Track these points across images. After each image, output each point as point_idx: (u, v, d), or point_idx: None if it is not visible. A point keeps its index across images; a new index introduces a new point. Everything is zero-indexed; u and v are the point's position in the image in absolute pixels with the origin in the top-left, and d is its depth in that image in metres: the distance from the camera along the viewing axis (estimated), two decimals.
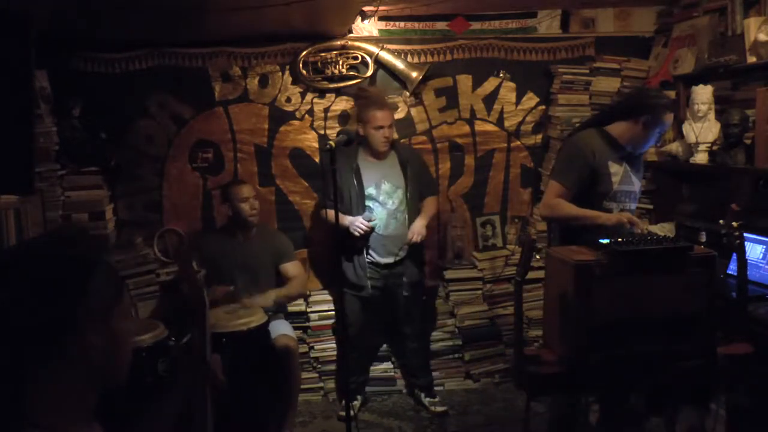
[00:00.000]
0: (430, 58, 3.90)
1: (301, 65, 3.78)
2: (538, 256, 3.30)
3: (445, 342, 3.95)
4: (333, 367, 3.86)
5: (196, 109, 3.82)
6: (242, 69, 3.80)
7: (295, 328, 3.64)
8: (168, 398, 1.38)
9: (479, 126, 4.02)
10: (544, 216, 2.96)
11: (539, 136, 4.06)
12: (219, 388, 1.45)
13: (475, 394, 3.89)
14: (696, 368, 2.29)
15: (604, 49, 3.95)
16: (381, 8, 3.61)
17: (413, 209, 3.53)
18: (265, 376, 3.04)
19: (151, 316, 3.46)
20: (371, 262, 3.51)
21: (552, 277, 2.47)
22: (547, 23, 3.95)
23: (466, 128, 4.01)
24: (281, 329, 3.33)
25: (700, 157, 3.35)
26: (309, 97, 3.86)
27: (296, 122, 3.89)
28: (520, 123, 4.03)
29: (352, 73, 3.83)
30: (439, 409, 3.64)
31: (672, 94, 3.72)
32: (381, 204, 3.50)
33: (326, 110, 3.89)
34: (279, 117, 3.87)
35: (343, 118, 3.91)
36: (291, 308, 3.76)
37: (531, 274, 2.45)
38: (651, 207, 3.94)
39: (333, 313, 3.83)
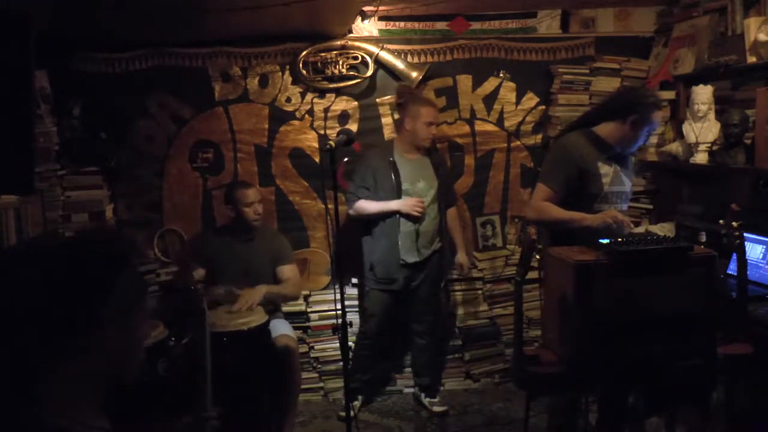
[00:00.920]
0: (430, 58, 3.90)
1: (301, 65, 3.78)
2: (538, 256, 3.30)
3: (445, 342, 3.95)
4: (333, 367, 3.85)
5: (196, 109, 3.82)
6: (242, 69, 3.80)
7: (295, 328, 3.64)
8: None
9: (479, 126, 4.02)
10: (532, 219, 2.94)
11: (539, 136, 4.06)
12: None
13: (475, 394, 3.90)
14: (696, 368, 2.29)
15: (604, 49, 3.95)
16: (381, 8, 3.61)
17: (443, 212, 3.61)
18: (266, 376, 3.03)
19: (155, 315, 3.45)
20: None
21: (552, 277, 2.47)
22: (547, 23, 3.95)
23: (466, 128, 4.01)
24: (281, 329, 3.33)
25: (700, 157, 3.35)
26: (309, 97, 3.87)
27: (296, 122, 3.89)
28: (520, 123, 4.03)
29: (352, 73, 3.83)
30: (439, 409, 3.64)
31: (672, 94, 3.73)
32: None
33: (326, 110, 3.89)
34: (279, 117, 3.87)
35: (343, 118, 3.91)
36: (291, 308, 3.76)
37: (531, 274, 2.45)
38: (651, 207, 3.94)
39: (333, 313, 3.83)
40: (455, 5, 3.75)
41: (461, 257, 3.70)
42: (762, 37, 2.95)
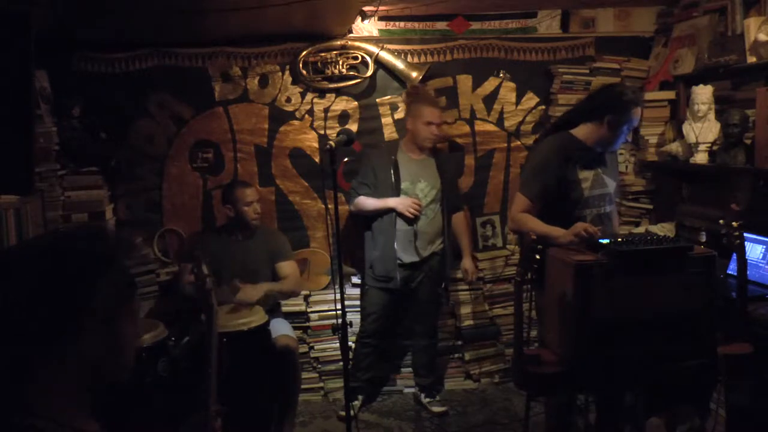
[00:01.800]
0: (430, 58, 3.90)
1: (301, 65, 3.78)
2: (538, 256, 3.30)
3: (445, 342, 3.95)
4: (333, 367, 3.86)
5: (196, 109, 3.82)
6: (242, 69, 3.80)
7: (295, 328, 3.64)
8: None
9: (479, 126, 4.02)
10: (512, 229, 2.91)
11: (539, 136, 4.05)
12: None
13: (475, 394, 3.90)
14: (696, 368, 2.29)
15: (604, 49, 3.95)
16: (381, 8, 3.61)
17: (445, 214, 3.58)
18: (266, 376, 3.03)
19: (151, 316, 3.46)
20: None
21: (552, 277, 2.47)
22: (547, 23, 3.95)
23: (466, 128, 4.01)
24: (282, 329, 3.33)
25: (700, 157, 3.35)
26: (309, 97, 3.87)
27: (296, 122, 3.89)
28: (520, 123, 4.03)
29: (352, 73, 3.83)
30: (439, 409, 3.64)
31: (672, 94, 3.73)
32: None
33: (326, 110, 3.89)
34: (279, 117, 3.87)
35: (343, 118, 3.91)
36: (291, 308, 3.76)
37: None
38: (651, 207, 3.94)
39: (333, 313, 3.83)
40: (455, 5, 3.75)
41: (466, 263, 3.68)
42: (762, 37, 2.95)
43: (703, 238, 3.20)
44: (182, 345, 2.81)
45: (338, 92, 3.88)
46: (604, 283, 2.19)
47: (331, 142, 2.41)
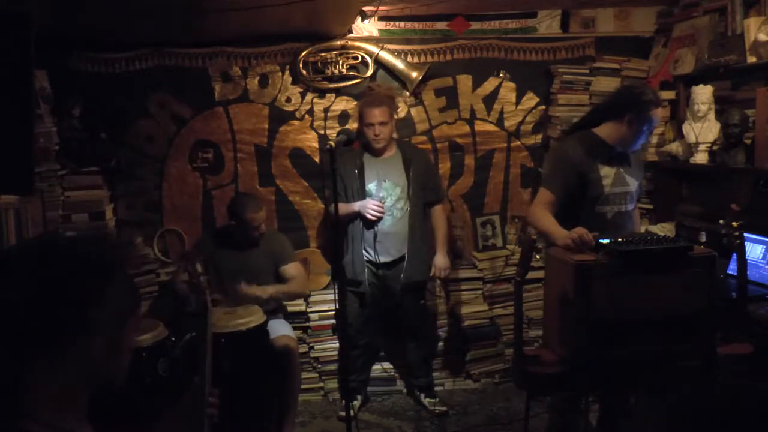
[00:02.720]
0: (430, 58, 3.90)
1: (301, 65, 3.78)
2: (538, 256, 3.30)
3: (445, 342, 3.95)
4: (333, 367, 3.86)
5: (196, 109, 3.82)
6: (242, 69, 3.80)
7: (295, 328, 3.64)
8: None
9: (479, 126, 4.02)
10: (528, 221, 2.95)
11: (539, 136, 4.06)
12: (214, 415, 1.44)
13: (475, 394, 3.90)
14: (696, 368, 2.29)
15: (604, 49, 3.95)
16: (381, 8, 3.60)
17: (416, 212, 3.51)
18: (265, 376, 3.03)
19: (150, 316, 3.45)
20: (368, 261, 3.51)
21: (552, 277, 2.47)
22: (547, 23, 3.95)
23: (466, 128, 4.01)
24: (281, 329, 3.33)
25: (700, 157, 3.35)
26: (309, 97, 3.87)
27: (296, 122, 3.89)
28: (520, 123, 4.03)
29: (352, 73, 3.83)
30: (439, 409, 3.64)
31: (672, 94, 3.73)
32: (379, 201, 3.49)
33: (326, 110, 3.89)
34: (279, 117, 3.87)
35: (343, 118, 3.91)
36: (291, 308, 3.76)
37: (531, 274, 2.44)
38: (651, 207, 3.94)
39: (333, 312, 3.83)
40: (455, 5, 3.75)
41: (438, 258, 3.59)
42: (762, 37, 2.95)
43: (703, 238, 3.21)
44: (182, 345, 2.81)
45: (338, 92, 3.87)
46: (605, 283, 2.19)
47: (331, 142, 2.42)
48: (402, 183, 3.50)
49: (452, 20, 3.91)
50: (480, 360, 3.98)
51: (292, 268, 3.48)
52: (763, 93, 2.94)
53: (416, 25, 3.89)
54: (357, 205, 3.43)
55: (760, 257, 2.98)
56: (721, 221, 2.53)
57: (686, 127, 3.38)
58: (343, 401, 3.54)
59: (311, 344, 3.86)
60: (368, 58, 3.81)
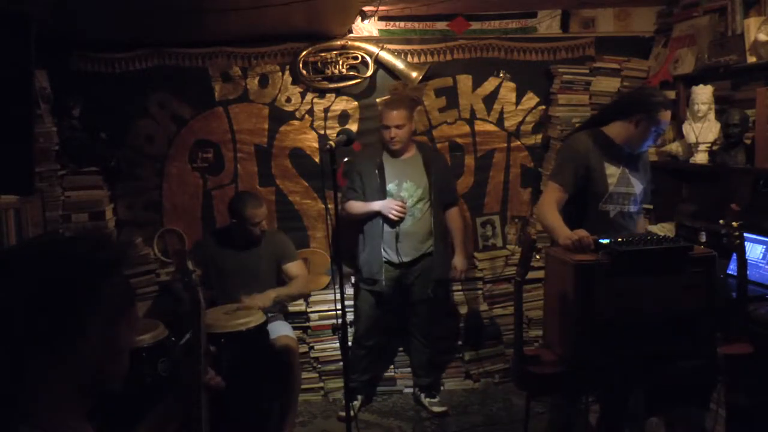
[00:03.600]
0: (430, 58, 3.90)
1: (301, 65, 3.78)
2: (538, 256, 3.31)
3: (446, 342, 3.95)
4: (333, 367, 3.85)
5: (196, 109, 3.82)
6: (242, 69, 3.80)
7: (295, 328, 3.64)
8: (165, 400, 1.37)
9: (479, 126, 4.02)
10: (535, 215, 2.95)
11: (539, 136, 4.06)
12: (215, 387, 1.44)
13: (475, 394, 3.90)
14: (696, 368, 2.29)
15: (604, 49, 3.95)
16: (381, 8, 3.60)
17: (438, 212, 3.55)
18: (265, 377, 3.03)
19: (150, 316, 3.45)
20: (386, 260, 3.51)
21: (552, 277, 2.47)
22: (547, 23, 3.95)
23: (466, 128, 4.01)
24: (281, 329, 3.33)
25: (700, 157, 3.35)
26: (309, 97, 3.87)
27: (296, 122, 3.89)
28: (520, 123, 4.03)
29: (352, 73, 3.83)
30: (439, 409, 3.64)
31: (672, 94, 3.73)
32: None
33: (326, 110, 3.89)
34: (279, 117, 3.87)
35: (343, 118, 3.91)
36: (291, 308, 3.76)
37: (531, 274, 2.44)
38: (651, 207, 3.93)
39: (333, 313, 3.82)
40: (455, 5, 3.74)
41: (457, 260, 3.64)
42: (762, 37, 2.95)
43: (703, 238, 3.20)
44: (182, 345, 2.81)
45: (338, 92, 3.87)
46: (605, 283, 2.20)
47: (331, 142, 2.41)
48: (423, 184, 3.51)
49: (452, 20, 3.91)
50: (480, 360, 3.98)
51: (294, 267, 3.48)
52: (763, 93, 2.93)
53: (416, 25, 3.89)
54: (377, 205, 3.43)
55: (760, 257, 2.98)
56: (721, 221, 2.53)
57: (686, 127, 3.38)
58: (344, 401, 3.55)
59: (311, 344, 3.86)
60: (368, 58, 3.81)
